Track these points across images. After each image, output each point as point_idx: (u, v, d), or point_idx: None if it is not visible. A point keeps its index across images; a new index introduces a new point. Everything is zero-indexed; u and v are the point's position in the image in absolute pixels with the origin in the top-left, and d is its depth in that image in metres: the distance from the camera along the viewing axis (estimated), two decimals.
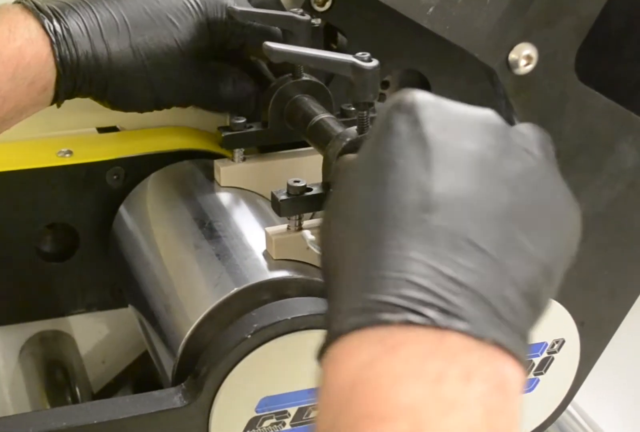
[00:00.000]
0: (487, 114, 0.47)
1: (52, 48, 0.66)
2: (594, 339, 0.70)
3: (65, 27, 0.66)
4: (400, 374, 0.39)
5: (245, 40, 0.72)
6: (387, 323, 0.40)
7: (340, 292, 0.44)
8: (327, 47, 0.84)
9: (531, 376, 0.69)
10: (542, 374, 0.69)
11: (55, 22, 0.66)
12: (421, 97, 0.47)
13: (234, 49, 0.74)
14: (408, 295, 0.40)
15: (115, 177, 0.78)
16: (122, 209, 0.78)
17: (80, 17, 0.67)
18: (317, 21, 0.75)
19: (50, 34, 0.66)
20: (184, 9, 0.70)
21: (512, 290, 0.41)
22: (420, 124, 0.45)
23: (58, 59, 0.66)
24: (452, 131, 0.45)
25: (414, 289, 0.40)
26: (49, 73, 0.66)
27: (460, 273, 0.41)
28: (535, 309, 0.43)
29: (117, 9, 0.68)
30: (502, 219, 0.43)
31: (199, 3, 0.70)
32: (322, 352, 0.42)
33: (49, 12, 0.67)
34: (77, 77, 0.67)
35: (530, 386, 0.69)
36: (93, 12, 0.68)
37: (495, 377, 0.40)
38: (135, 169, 0.79)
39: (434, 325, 0.39)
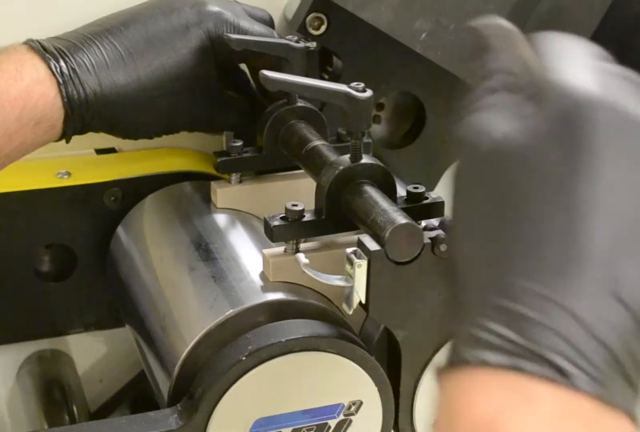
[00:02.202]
0: None
1: (59, 89, 0.67)
2: None
3: (71, 66, 0.67)
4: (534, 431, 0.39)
5: (247, 53, 0.73)
6: (525, 372, 0.39)
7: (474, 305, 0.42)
8: (323, 70, 0.85)
9: None
10: None
11: (61, 62, 0.67)
12: (591, 96, 0.41)
13: (237, 66, 0.76)
14: (553, 347, 0.39)
15: (113, 198, 0.79)
16: (119, 229, 0.79)
17: (86, 53, 0.68)
18: (312, 44, 0.76)
19: (57, 75, 0.67)
20: (184, 29, 0.71)
21: None
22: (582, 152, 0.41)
23: (65, 100, 0.67)
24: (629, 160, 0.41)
25: (559, 343, 0.39)
26: (57, 113, 0.67)
27: (603, 330, 0.39)
28: None
29: (121, 40, 0.70)
30: None
31: (198, 21, 0.72)
32: (445, 369, 0.42)
33: (55, 52, 0.68)
34: (86, 115, 0.68)
35: None
36: (98, 47, 0.69)
37: None
38: (133, 190, 0.79)
39: (573, 387, 0.38)
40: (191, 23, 0.72)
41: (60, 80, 0.67)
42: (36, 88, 0.66)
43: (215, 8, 0.73)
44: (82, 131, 0.70)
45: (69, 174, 0.79)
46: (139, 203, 0.79)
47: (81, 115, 0.68)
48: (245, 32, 0.73)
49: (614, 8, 0.62)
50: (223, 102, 0.75)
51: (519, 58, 0.45)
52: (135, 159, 0.83)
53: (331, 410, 0.62)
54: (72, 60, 0.68)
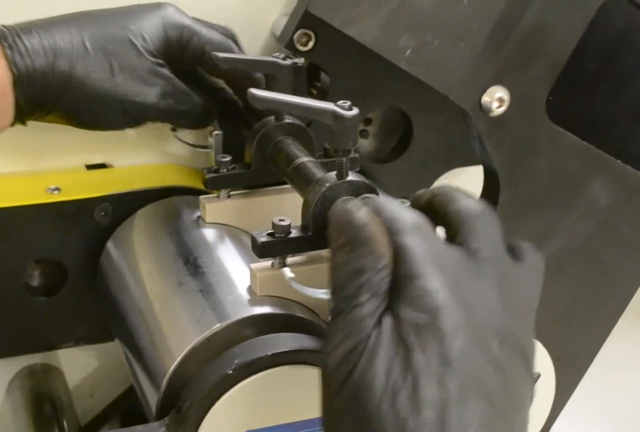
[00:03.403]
0: None
1: (4, 52, 0.67)
2: (570, 373, 0.71)
3: (15, 32, 0.69)
4: None
5: (202, 52, 0.75)
6: None
7: None
8: (311, 85, 0.86)
9: None
10: None
11: (5, 31, 0.69)
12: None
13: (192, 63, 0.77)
14: None
15: (103, 213, 0.80)
16: (109, 244, 0.80)
17: (36, 29, 0.69)
18: (300, 60, 0.77)
19: (0, 40, 0.68)
20: (145, 27, 0.72)
21: None
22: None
23: (10, 58, 0.67)
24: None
25: None
26: (4, 76, 0.68)
27: None
28: None
29: (78, 29, 0.71)
30: None
31: (157, 24, 0.73)
32: None
33: (1, 27, 0.69)
34: (34, 81, 0.69)
35: None
36: (50, 29, 0.70)
37: None
38: (123, 206, 0.80)
39: None
40: (150, 24, 0.73)
41: (5, 44, 0.68)
42: None
43: (174, 13, 0.74)
44: (34, 104, 0.70)
45: (58, 189, 0.80)
46: (129, 218, 0.80)
47: (29, 80, 0.68)
48: (204, 39, 0.74)
49: (597, 22, 0.63)
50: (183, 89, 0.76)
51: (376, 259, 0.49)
52: (125, 175, 0.84)
53: (318, 422, 0.62)
54: (18, 29, 0.69)
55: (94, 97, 0.71)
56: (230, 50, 0.76)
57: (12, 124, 0.71)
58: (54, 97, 0.70)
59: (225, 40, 0.76)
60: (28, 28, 0.70)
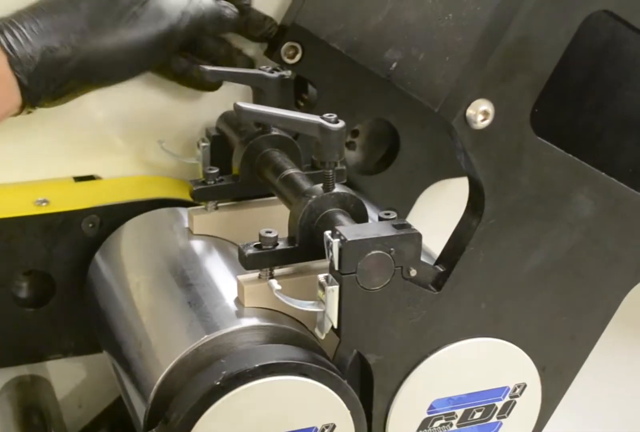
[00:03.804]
0: None
1: None
2: (555, 384, 0.72)
3: (9, 22, 0.70)
4: None
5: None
6: None
7: None
8: (299, 97, 0.87)
9: (494, 419, 0.70)
10: (505, 417, 0.71)
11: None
12: None
13: None
14: None
15: (90, 225, 0.80)
16: (97, 256, 0.80)
17: (28, 14, 0.71)
18: (287, 73, 0.78)
19: None
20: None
21: None
22: None
23: (4, 42, 0.69)
24: None
25: None
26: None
27: None
28: None
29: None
30: None
31: None
32: None
33: None
34: (34, 60, 0.70)
35: (494, 429, 0.71)
36: (40, 7, 0.71)
37: None
38: (111, 217, 0.80)
39: None
40: None
41: None
42: None
43: None
44: (44, 80, 0.71)
45: (47, 201, 0.80)
46: (117, 230, 0.80)
47: (30, 59, 0.69)
48: None
49: (581, 36, 0.63)
50: None
51: None
52: (113, 186, 0.84)
53: None
54: (10, 17, 0.70)
55: (106, 54, 0.72)
56: None
57: (23, 107, 0.72)
58: (63, 68, 0.71)
59: None
60: (19, 14, 0.71)
